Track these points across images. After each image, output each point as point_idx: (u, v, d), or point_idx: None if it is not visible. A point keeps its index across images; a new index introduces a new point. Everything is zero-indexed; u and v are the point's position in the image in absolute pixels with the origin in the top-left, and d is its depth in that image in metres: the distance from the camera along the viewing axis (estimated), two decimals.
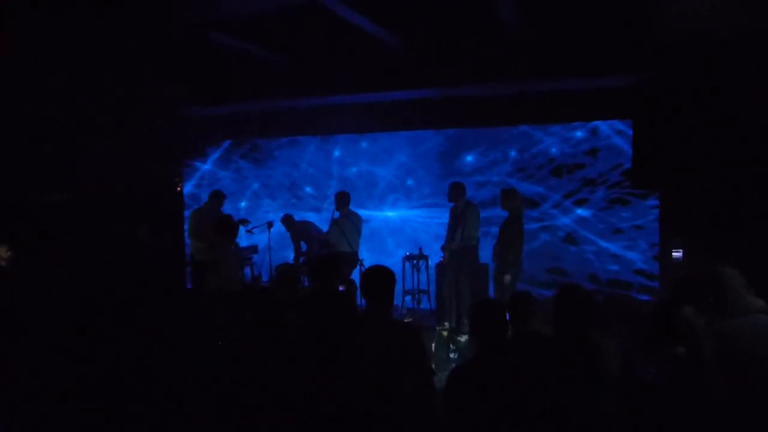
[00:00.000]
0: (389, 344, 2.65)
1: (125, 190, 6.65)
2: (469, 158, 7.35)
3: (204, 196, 8.34)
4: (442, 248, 6.17)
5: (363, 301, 2.86)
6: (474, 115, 6.70)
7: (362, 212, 6.89)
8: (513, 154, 7.14)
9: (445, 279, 6.15)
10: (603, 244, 6.72)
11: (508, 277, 5.53)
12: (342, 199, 6.41)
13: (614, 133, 6.60)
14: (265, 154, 8.39)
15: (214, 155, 8.65)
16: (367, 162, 7.93)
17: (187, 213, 7.56)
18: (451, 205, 6.16)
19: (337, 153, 8.08)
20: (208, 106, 6.98)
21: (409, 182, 7.75)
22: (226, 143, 8.52)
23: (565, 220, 6.89)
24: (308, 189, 8.25)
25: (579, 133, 6.80)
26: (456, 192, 6.05)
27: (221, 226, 5.18)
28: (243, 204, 8.52)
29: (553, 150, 6.92)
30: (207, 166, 8.61)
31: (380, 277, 2.84)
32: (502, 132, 7.15)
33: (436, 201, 7.40)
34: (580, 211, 6.81)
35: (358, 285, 5.21)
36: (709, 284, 2.81)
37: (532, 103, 6.32)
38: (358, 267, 5.99)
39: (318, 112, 7.21)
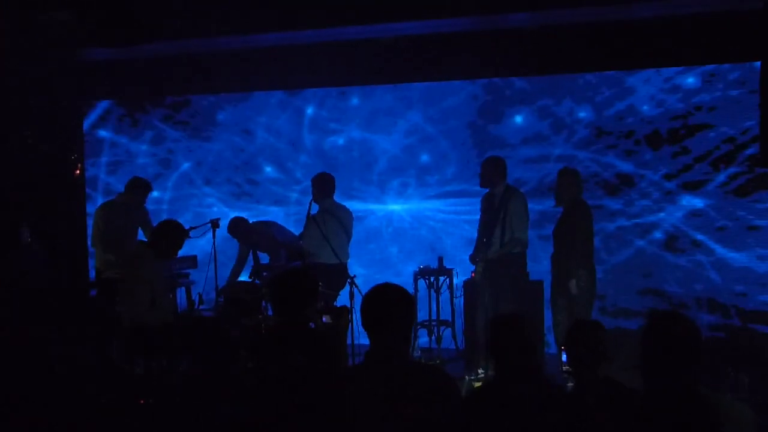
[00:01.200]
0: (408, 401, 2.72)
1: None
2: (519, 119, 7.47)
3: (109, 181, 8.49)
4: (473, 258, 6.28)
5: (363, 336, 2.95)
6: (527, 55, 6.75)
7: (353, 205, 7.03)
8: (584, 114, 7.24)
9: (478, 304, 6.27)
10: (724, 251, 6.82)
11: (573, 283, 5.73)
12: (322, 186, 6.53)
13: (749, 79, 6.58)
14: (202, 117, 8.51)
15: (94, 116, 8.60)
16: (359, 128, 8.05)
17: (91, 209, 7.68)
18: (485, 191, 6.26)
19: (310, 112, 8.19)
20: (117, 45, 7.07)
21: (425, 158, 7.87)
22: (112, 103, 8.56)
23: (665, 216, 7.00)
24: (268, 170, 8.37)
25: (690, 80, 6.91)
26: (492, 171, 6.17)
27: (178, 234, 5.35)
28: (165, 194, 8.60)
29: (647, 108, 7.02)
30: (105, 132, 8.68)
31: (391, 301, 2.93)
32: (570, 80, 7.26)
33: (465, 187, 7.53)
34: (689, 200, 6.92)
35: (350, 314, 5.30)
36: None
37: (617, 36, 6.39)
38: (347, 286, 6.09)
39: (283, 54, 7.29)
